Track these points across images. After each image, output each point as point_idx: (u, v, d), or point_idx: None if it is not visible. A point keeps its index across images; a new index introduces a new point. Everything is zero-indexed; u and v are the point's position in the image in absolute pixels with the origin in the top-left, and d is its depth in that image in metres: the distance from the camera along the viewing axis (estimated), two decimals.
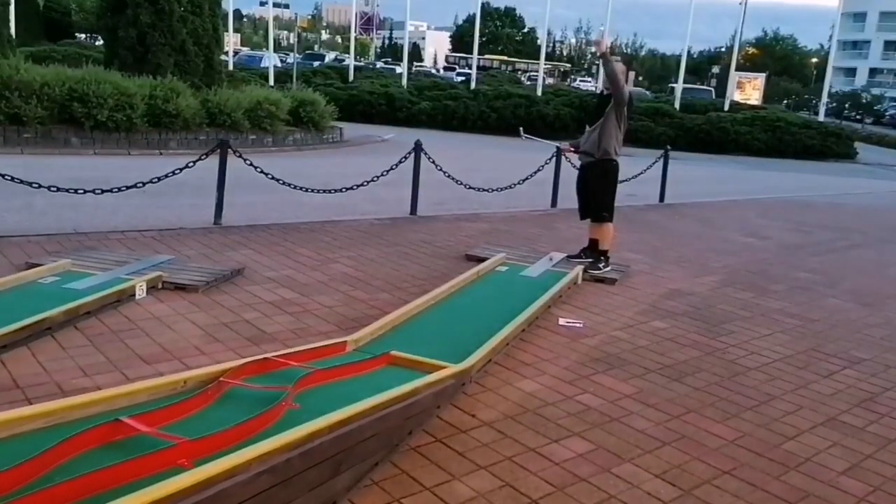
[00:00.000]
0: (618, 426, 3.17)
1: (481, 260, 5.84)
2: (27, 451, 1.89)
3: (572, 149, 6.21)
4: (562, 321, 4.57)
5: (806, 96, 52.26)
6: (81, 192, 5.94)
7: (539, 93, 27.24)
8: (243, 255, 5.48)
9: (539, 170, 9.34)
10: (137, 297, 4.19)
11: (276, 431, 2.26)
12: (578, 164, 6.17)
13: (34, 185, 5.70)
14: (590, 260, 5.88)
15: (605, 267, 5.83)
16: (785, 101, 52.39)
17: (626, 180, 7.17)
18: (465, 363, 3.28)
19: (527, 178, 9.12)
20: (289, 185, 7.08)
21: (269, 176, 6.88)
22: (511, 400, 3.31)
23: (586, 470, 2.75)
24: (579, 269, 5.64)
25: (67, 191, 5.88)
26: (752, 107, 30.14)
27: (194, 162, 6.38)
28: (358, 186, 7.59)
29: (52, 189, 5.78)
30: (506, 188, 8.97)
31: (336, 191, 7.47)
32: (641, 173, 10.16)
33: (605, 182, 5.79)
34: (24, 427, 2.05)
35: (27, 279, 4.20)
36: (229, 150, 6.66)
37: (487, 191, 8.75)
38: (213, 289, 4.55)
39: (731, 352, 4.40)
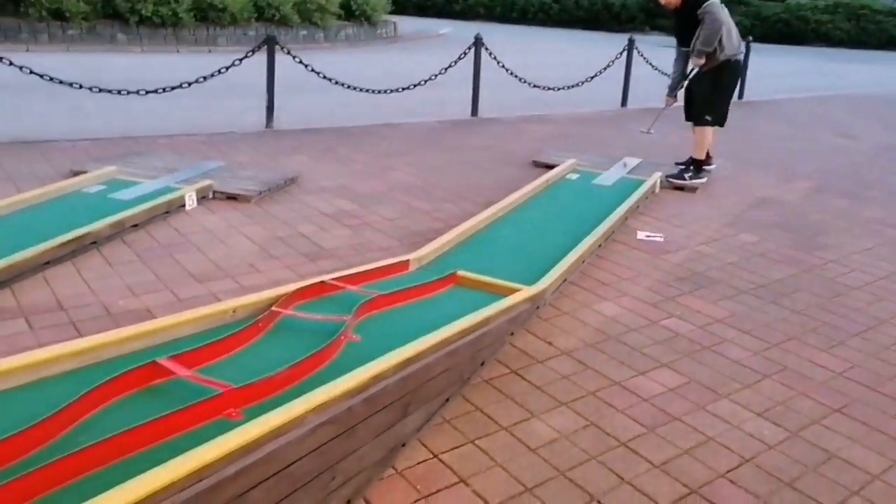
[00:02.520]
0: (710, 356, 2.84)
1: (549, 167, 5.42)
2: (54, 400, 1.70)
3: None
4: (641, 235, 4.18)
5: None
6: (126, 93, 5.70)
7: None
8: (296, 162, 5.20)
9: (609, 65, 8.62)
10: (187, 207, 3.98)
11: (335, 370, 2.02)
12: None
13: (76, 85, 5.49)
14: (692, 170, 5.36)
15: (695, 178, 5.30)
16: None
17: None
18: (540, 285, 2.96)
19: (595, 76, 8.44)
20: (342, 84, 6.67)
21: (322, 75, 6.48)
22: (590, 325, 3.01)
23: (679, 407, 2.45)
24: (657, 175, 5.15)
25: (111, 92, 5.64)
26: None
27: (240, 60, 6.02)
28: (415, 86, 7.12)
29: (95, 90, 5.55)
30: (573, 86, 8.33)
31: (392, 91, 7.02)
32: None
33: (719, 85, 5.12)
34: (52, 369, 1.85)
35: (72, 188, 4.01)
36: (277, 46, 6.25)
37: (553, 90, 8.14)
38: (266, 199, 4.31)
39: (830, 268, 3.96)
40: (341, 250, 3.63)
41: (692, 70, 5.20)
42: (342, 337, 2.19)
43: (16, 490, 1.33)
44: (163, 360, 1.86)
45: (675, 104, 5.55)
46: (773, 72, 13.79)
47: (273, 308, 2.32)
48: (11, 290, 2.90)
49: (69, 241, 3.18)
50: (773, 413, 2.48)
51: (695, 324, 3.10)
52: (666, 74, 9.12)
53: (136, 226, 3.60)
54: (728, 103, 5.24)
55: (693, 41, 4.96)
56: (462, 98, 7.67)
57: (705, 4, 4.85)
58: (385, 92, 6.96)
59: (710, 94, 5.10)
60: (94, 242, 3.34)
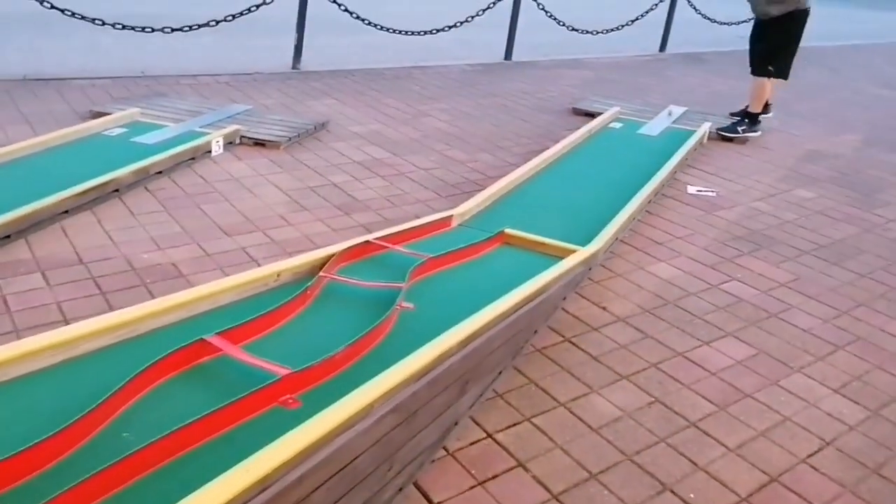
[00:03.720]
0: (777, 324, 2.65)
1: (590, 115, 5.12)
2: (91, 381, 1.54)
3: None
4: (692, 189, 3.93)
5: None
6: (150, 30, 5.43)
7: None
8: (326, 106, 4.95)
9: (651, 8, 8.14)
10: (213, 153, 3.77)
11: (392, 345, 1.86)
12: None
13: (98, 21, 5.22)
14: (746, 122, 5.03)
15: (749, 131, 4.97)
16: None
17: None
18: (593, 245, 2.75)
19: (636, 19, 7.98)
20: (373, 24, 6.33)
21: (354, 15, 6.13)
22: (646, 289, 2.81)
23: (750, 382, 2.27)
24: (706, 126, 4.85)
25: (134, 29, 5.37)
26: None
27: None
28: (450, 28, 6.75)
29: (118, 27, 5.28)
30: (612, 30, 7.89)
31: (425, 33, 6.66)
32: None
33: (788, 35, 4.75)
34: (86, 346, 1.67)
35: (92, 130, 3.77)
36: None
37: (591, 33, 7.71)
38: (295, 145, 4.09)
39: (892, 228, 3.72)
40: (376, 202, 3.43)
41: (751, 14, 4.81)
42: (397, 307, 2.01)
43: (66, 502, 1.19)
44: (210, 338, 1.69)
45: None
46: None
47: (320, 274, 2.14)
48: (27, 241, 2.71)
49: (90, 189, 2.97)
50: (850, 389, 2.30)
51: (758, 288, 2.89)
52: (709, 19, 8.68)
53: (160, 172, 3.39)
54: (793, 55, 4.87)
55: None
56: (492, 40, 7.29)
57: None
58: (419, 34, 6.61)
59: (777, 44, 4.74)
60: (116, 190, 3.13)
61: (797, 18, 4.67)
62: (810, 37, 10.84)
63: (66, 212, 2.89)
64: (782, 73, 4.86)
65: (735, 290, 2.86)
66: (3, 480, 1.26)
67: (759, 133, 5.00)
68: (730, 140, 4.93)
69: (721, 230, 3.44)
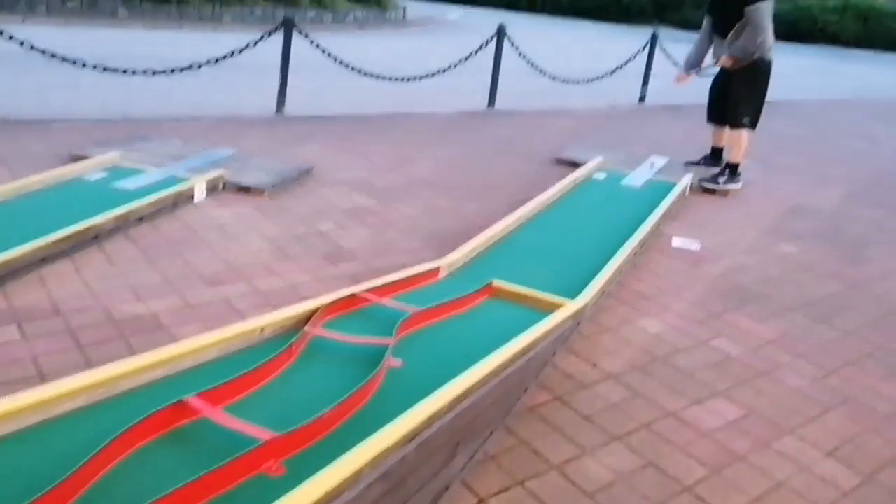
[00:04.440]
0: (767, 383, 2.62)
1: (574, 164, 5.17)
2: (64, 445, 1.46)
3: (719, 63, 4.95)
4: (676, 242, 3.95)
5: None
6: (132, 72, 5.40)
7: None
8: (310, 151, 4.93)
9: (630, 60, 8.35)
10: (196, 199, 3.71)
11: (380, 405, 1.80)
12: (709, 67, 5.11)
13: (79, 63, 5.19)
14: (711, 168, 5.11)
15: (729, 183, 5.02)
16: None
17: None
18: (582, 298, 2.72)
19: (616, 70, 8.18)
20: (358, 70, 6.39)
21: (338, 61, 6.19)
22: (635, 344, 2.78)
23: (742, 445, 2.23)
24: (688, 178, 4.91)
25: (116, 70, 5.34)
26: None
27: (256, 42, 5.73)
28: (434, 75, 6.84)
29: (99, 68, 5.25)
30: (592, 80, 8.06)
31: (409, 79, 6.74)
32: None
33: (755, 85, 4.81)
34: (60, 407, 1.59)
35: (71, 174, 3.70)
36: (294, 29, 5.95)
37: (573, 83, 7.86)
38: (280, 191, 4.05)
39: (877, 285, 3.74)
40: (363, 251, 3.38)
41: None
42: (384, 364, 1.95)
43: None
44: (190, 399, 1.61)
45: (687, 81, 5.14)
46: (782, 70, 13.56)
47: (305, 329, 2.08)
48: (3, 290, 2.61)
49: (69, 236, 2.88)
50: (842, 453, 2.26)
51: (745, 345, 2.87)
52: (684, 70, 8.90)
53: (141, 219, 3.32)
54: (762, 105, 4.95)
55: (731, 36, 4.69)
56: (475, 87, 7.40)
57: (759, 3, 4.53)
58: (402, 80, 6.69)
59: (747, 95, 4.81)
60: (96, 237, 3.05)
61: (765, 68, 4.75)
62: (790, 90, 11.20)
63: (44, 260, 2.79)
64: (754, 122, 4.89)
65: (723, 347, 2.84)
66: None
67: (740, 185, 5.07)
68: (712, 192, 4.99)
69: (708, 285, 3.44)
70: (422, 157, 5.15)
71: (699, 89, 9.42)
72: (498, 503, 1.85)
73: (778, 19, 4.90)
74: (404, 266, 3.14)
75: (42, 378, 2.11)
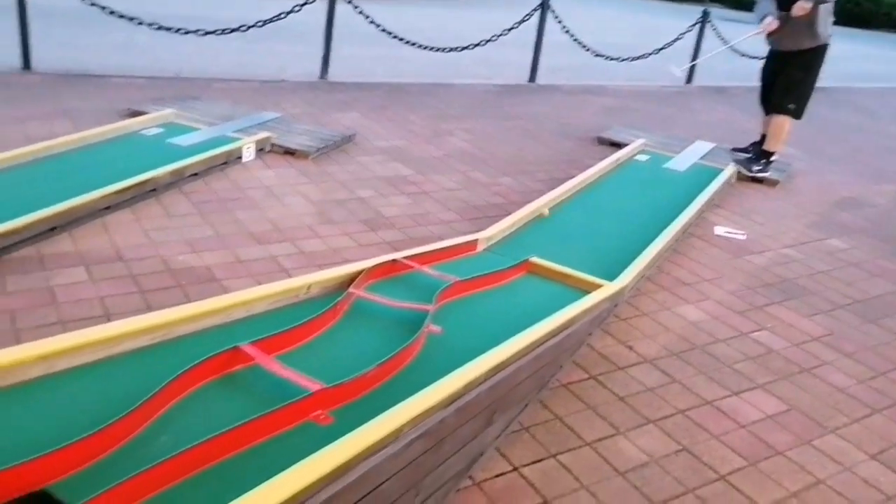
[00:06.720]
0: (810, 380, 2.58)
1: (615, 144, 5.09)
2: (129, 380, 1.55)
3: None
4: (719, 230, 3.88)
5: None
6: (184, 31, 5.45)
7: None
8: (351, 119, 4.93)
9: (679, 38, 8.13)
10: (244, 159, 3.77)
11: (421, 368, 1.83)
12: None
13: (136, 20, 5.25)
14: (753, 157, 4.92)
15: (760, 170, 4.87)
16: None
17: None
18: (620, 281, 2.70)
19: (663, 48, 7.98)
20: (399, 38, 6.34)
21: (380, 28, 6.15)
22: (673, 331, 2.75)
23: (781, 439, 2.20)
24: (734, 165, 4.81)
25: (169, 29, 5.40)
26: None
27: (301, 6, 5.72)
28: (474, 46, 6.76)
29: (154, 27, 5.31)
30: (637, 58, 7.88)
31: (450, 50, 6.68)
32: None
33: (808, 71, 4.58)
34: (125, 345, 1.68)
35: (129, 129, 3.84)
36: None
37: (616, 59, 7.70)
38: (322, 156, 4.07)
39: None
40: (401, 220, 3.39)
41: (765, 28, 4.54)
42: (425, 329, 1.98)
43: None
44: (244, 346, 1.69)
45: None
46: (841, 54, 13.10)
47: (349, 290, 2.12)
48: (70, 234, 2.77)
49: (130, 187, 3.04)
50: (887, 456, 2.22)
51: (789, 340, 2.82)
52: (737, 52, 8.65)
53: (195, 175, 3.43)
54: (811, 92, 4.69)
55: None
56: (517, 61, 7.30)
57: None
58: (443, 50, 6.62)
59: (798, 80, 4.59)
60: (154, 190, 3.18)
61: (820, 53, 4.55)
62: (847, 77, 10.80)
63: (108, 208, 2.95)
64: (800, 111, 4.67)
65: (765, 340, 2.79)
66: (45, 475, 1.26)
67: (770, 174, 4.89)
68: (759, 181, 4.87)
69: (750, 275, 3.38)
70: (460, 129, 5.12)
71: (750, 72, 9.14)
72: (531, 473, 1.88)
73: (840, 3, 4.68)
74: (441, 237, 3.16)
75: (107, 318, 2.24)
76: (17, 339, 2.10)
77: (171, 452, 1.30)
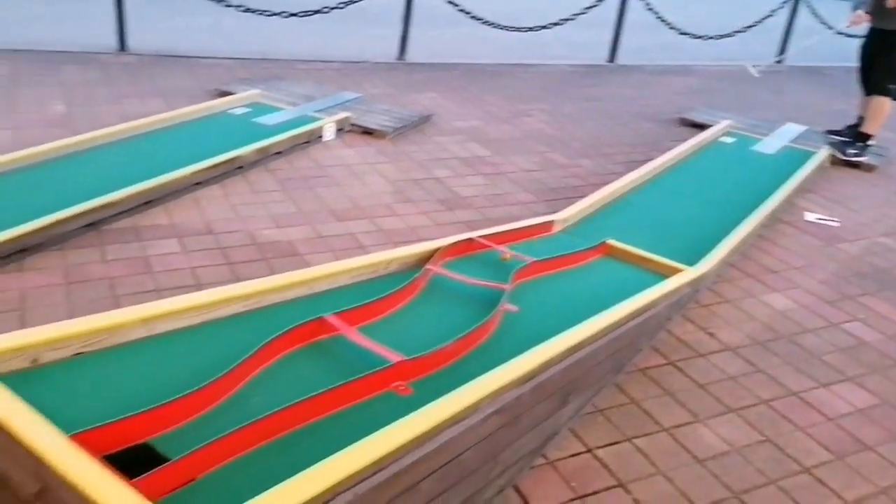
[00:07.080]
0: None
1: (699, 126, 4.92)
2: (224, 343, 1.67)
3: (865, 19, 4.44)
4: (810, 216, 3.70)
5: None
6: (269, 14, 5.62)
7: None
8: (428, 99, 4.96)
9: (770, 14, 7.74)
10: (325, 138, 3.87)
11: (497, 345, 1.84)
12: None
13: (222, 3, 5.44)
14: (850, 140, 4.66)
15: (856, 153, 4.61)
16: None
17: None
18: (702, 266, 2.62)
19: (751, 26, 7.61)
20: (477, 19, 6.31)
21: (459, 8, 6.13)
22: (758, 319, 2.66)
23: (871, 434, 2.10)
24: (828, 148, 4.56)
25: (255, 12, 5.57)
26: None
27: None
28: (553, 26, 6.65)
29: (241, 9, 5.49)
30: (724, 36, 7.56)
31: (528, 29, 6.59)
32: None
33: None
34: (218, 312, 1.79)
35: (218, 108, 4.01)
36: None
37: (701, 37, 7.41)
38: (400, 136, 4.12)
39: None
40: (477, 200, 3.40)
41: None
42: (501, 307, 1.99)
43: (192, 462, 1.27)
44: (328, 317, 1.76)
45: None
46: None
47: (427, 267, 2.16)
48: (165, 207, 2.94)
49: (219, 164, 3.18)
50: None
51: (883, 332, 2.68)
52: (833, 28, 8.16)
53: (279, 153, 3.56)
54: None
55: None
56: (595, 40, 7.12)
57: None
58: (521, 30, 6.55)
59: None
60: (241, 167, 3.33)
61: None
62: None
63: (198, 184, 3.10)
64: None
65: (857, 332, 2.66)
66: (146, 429, 1.34)
67: (867, 158, 4.61)
68: (855, 166, 4.61)
69: (842, 264, 3.21)
70: (537, 109, 5.07)
71: (847, 52, 8.62)
72: (605, 454, 1.87)
73: None
74: (517, 217, 3.15)
75: (199, 287, 2.37)
76: (117, 305, 2.24)
77: (263, 413, 1.37)
